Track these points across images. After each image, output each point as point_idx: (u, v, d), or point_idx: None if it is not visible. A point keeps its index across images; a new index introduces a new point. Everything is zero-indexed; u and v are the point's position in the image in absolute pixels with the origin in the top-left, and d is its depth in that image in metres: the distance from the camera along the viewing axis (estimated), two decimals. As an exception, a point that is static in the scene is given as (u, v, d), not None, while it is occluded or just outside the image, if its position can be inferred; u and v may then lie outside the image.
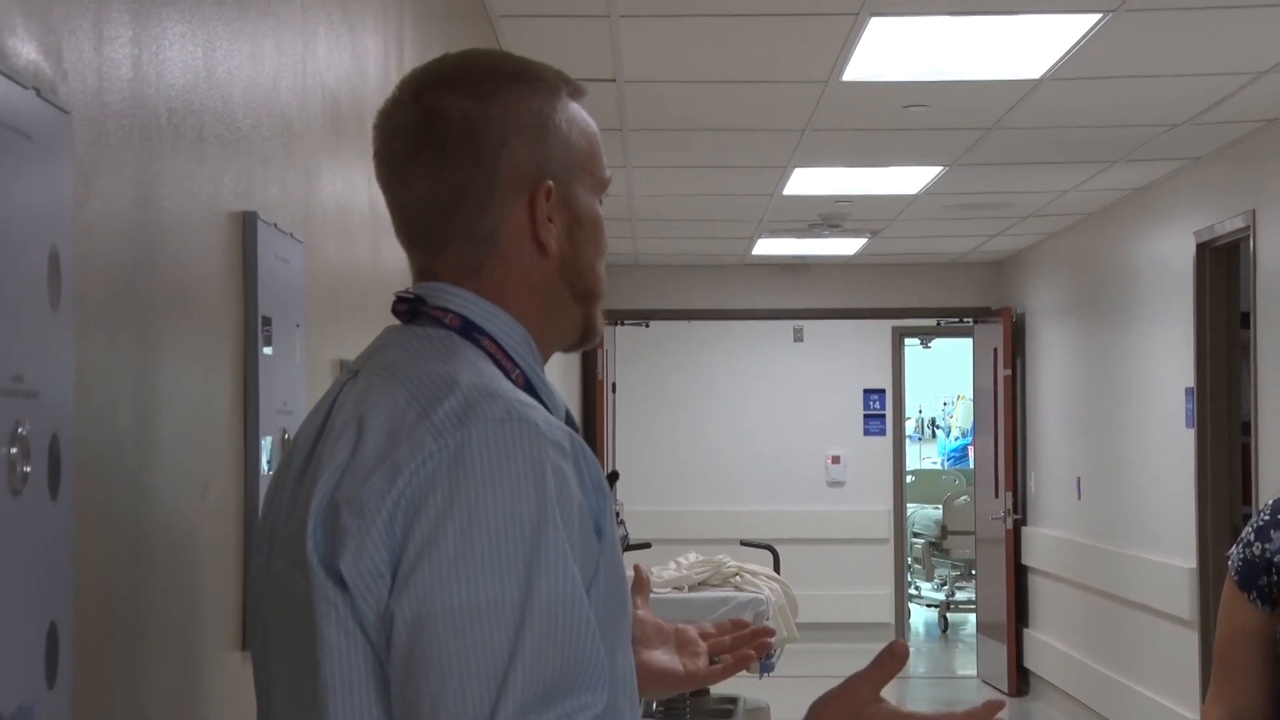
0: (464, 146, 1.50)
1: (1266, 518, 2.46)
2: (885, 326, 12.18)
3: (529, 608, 1.31)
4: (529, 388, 1.48)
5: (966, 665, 11.33)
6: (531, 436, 1.36)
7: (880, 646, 1.58)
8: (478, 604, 1.30)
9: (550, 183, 1.51)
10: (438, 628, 1.30)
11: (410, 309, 1.51)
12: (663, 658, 1.83)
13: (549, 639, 1.31)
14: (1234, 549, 2.48)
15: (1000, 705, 1.59)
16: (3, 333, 1.21)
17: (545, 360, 1.55)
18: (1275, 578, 2.43)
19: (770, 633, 1.82)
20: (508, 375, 1.47)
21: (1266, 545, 2.44)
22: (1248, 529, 2.48)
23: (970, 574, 13.36)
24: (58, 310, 1.31)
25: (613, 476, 1.61)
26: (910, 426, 13.77)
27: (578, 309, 1.56)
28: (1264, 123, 6.03)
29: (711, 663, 1.85)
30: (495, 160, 1.50)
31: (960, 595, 13.44)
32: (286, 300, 2.10)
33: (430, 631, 1.30)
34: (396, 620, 1.31)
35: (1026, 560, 9.96)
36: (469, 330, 1.48)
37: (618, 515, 8.73)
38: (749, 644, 1.85)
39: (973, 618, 13.35)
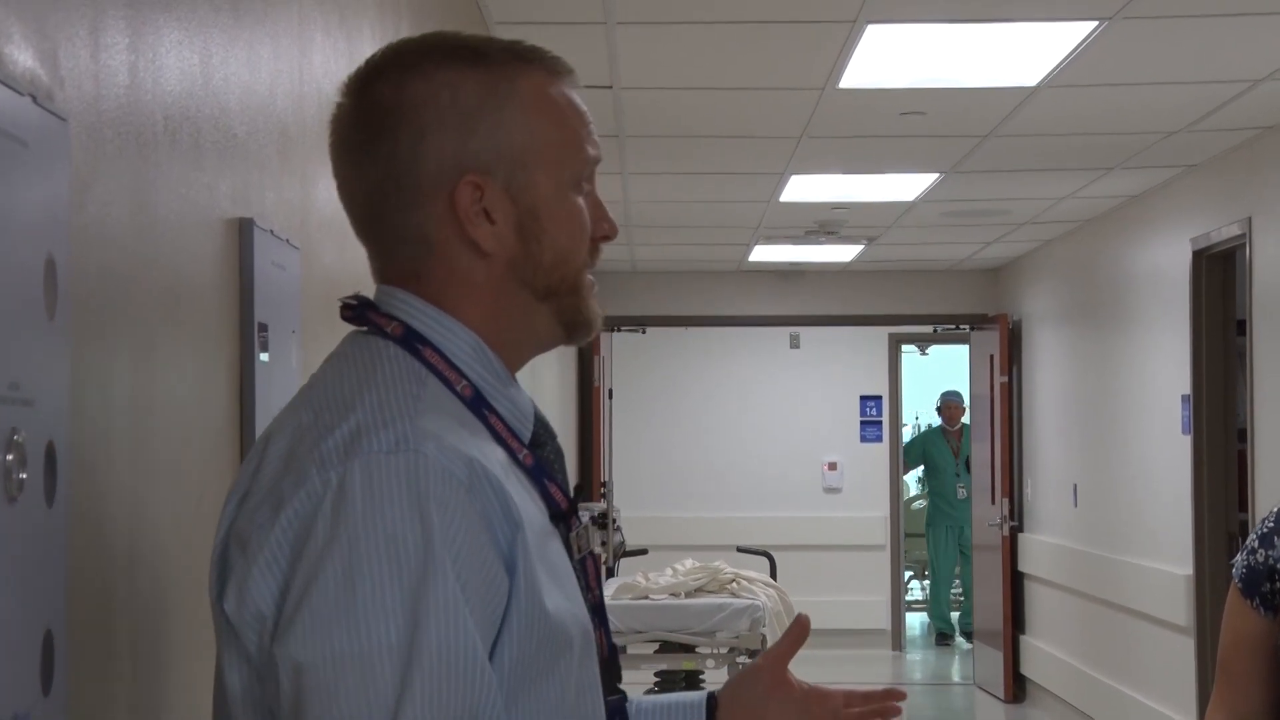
0: (381, 140, 1.39)
1: (1271, 524, 2.45)
2: (882, 333, 12.19)
3: (416, 653, 1.23)
4: (478, 399, 1.38)
5: (963, 672, 11.32)
6: (418, 467, 1.27)
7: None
8: (360, 650, 1.23)
9: (475, 177, 1.38)
10: (320, 675, 1.23)
11: (355, 314, 1.42)
12: None
13: (439, 686, 1.23)
14: (1238, 556, 2.48)
15: (901, 695, 1.57)
16: (-2, 340, 1.21)
17: (519, 364, 1.45)
18: (1278, 585, 2.42)
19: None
20: (452, 388, 1.37)
21: (1270, 552, 2.43)
22: (1252, 535, 2.48)
23: (924, 574, 13.44)
24: (54, 317, 1.31)
25: (576, 490, 1.56)
26: (907, 433, 13.78)
27: (543, 307, 1.42)
28: (1260, 130, 6.04)
29: None
30: (413, 154, 1.38)
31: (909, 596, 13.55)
32: (283, 306, 2.10)
33: (313, 679, 1.24)
34: (280, 666, 1.26)
35: (1023, 567, 9.96)
36: (411, 340, 1.38)
37: (614, 521, 8.72)
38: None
39: (924, 617, 13.40)
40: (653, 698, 1.61)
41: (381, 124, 1.39)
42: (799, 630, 1.59)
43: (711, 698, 1.60)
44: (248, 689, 1.31)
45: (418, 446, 1.28)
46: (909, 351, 13.64)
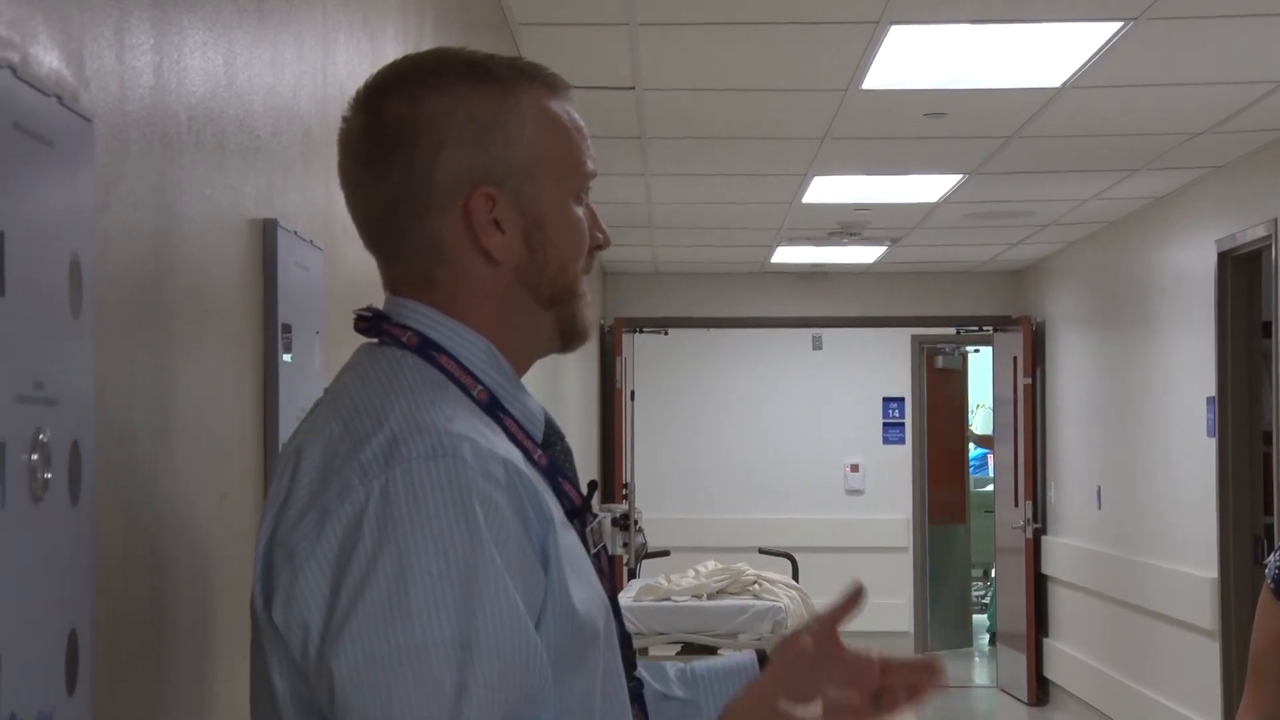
0: (397, 153, 1.44)
1: None
2: (905, 334, 12.15)
3: (472, 645, 1.27)
4: (494, 403, 1.43)
5: (986, 675, 11.29)
6: (458, 471, 1.31)
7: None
8: (417, 646, 1.27)
9: (489, 189, 1.44)
10: (377, 673, 1.27)
11: (370, 326, 1.47)
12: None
13: (497, 674, 1.28)
14: (1271, 557, 2.47)
15: (939, 668, 1.50)
16: (24, 340, 1.21)
17: (524, 369, 1.50)
18: None
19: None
20: (469, 392, 1.41)
21: None
22: None
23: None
24: (78, 317, 1.32)
25: (591, 486, 1.58)
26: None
27: (546, 314, 1.48)
28: (1286, 131, 6.01)
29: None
30: (429, 166, 1.43)
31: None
32: (306, 307, 2.10)
33: (370, 677, 1.27)
34: (334, 668, 1.29)
35: (1046, 570, 9.93)
36: (427, 349, 1.43)
37: (636, 523, 8.71)
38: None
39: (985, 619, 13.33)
40: (705, 663, 1.62)
41: (397, 137, 1.44)
42: (855, 596, 1.51)
43: (761, 654, 1.62)
44: (295, 692, 1.35)
45: (455, 450, 1.33)
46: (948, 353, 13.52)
